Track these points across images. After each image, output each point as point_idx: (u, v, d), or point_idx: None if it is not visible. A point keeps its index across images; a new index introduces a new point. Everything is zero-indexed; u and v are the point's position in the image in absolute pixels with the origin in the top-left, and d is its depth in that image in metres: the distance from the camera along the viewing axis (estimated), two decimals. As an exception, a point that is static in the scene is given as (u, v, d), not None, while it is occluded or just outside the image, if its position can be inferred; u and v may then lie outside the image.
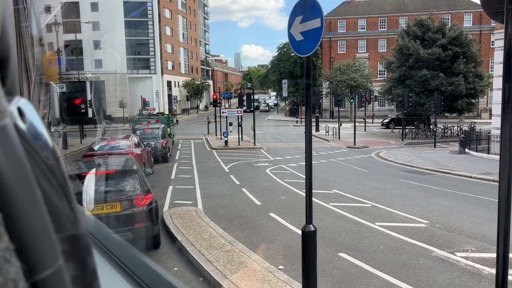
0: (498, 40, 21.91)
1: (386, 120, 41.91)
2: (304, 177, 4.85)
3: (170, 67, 65.09)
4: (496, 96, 22.41)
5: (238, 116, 27.86)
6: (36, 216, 0.35)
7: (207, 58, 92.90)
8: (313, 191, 4.85)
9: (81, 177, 6.63)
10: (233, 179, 15.47)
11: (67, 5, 48.08)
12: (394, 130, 37.98)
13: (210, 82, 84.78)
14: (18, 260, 0.33)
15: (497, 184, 2.60)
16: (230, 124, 29.37)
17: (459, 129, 32.68)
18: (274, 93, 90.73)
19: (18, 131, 0.36)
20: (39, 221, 0.35)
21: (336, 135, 31.42)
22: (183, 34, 72.37)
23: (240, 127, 27.69)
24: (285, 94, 61.74)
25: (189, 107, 69.24)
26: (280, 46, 67.72)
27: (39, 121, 0.41)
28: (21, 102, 0.40)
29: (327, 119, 48.60)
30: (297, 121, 48.03)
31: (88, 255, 0.43)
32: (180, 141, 29.68)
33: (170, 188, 13.78)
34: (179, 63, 70.23)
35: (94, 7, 51.02)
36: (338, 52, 55.99)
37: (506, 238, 2.46)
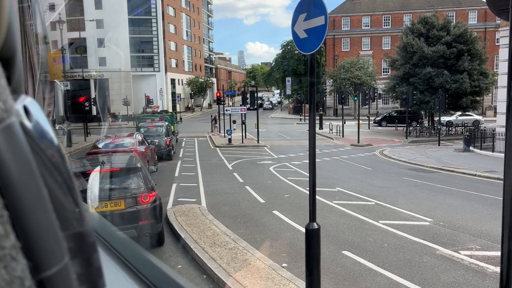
0: (503, 37, 21.78)
1: (378, 118, 42.05)
2: (308, 175, 4.85)
3: (173, 65, 65.17)
4: (501, 94, 22.29)
5: (241, 114, 27.86)
6: (42, 214, 0.35)
7: (211, 56, 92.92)
8: (316, 189, 4.85)
9: (85, 175, 6.65)
10: (236, 176, 15.48)
11: (71, 3, 48.18)
12: (386, 127, 38.44)
13: (214, 80, 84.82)
14: (24, 258, 0.33)
15: (502, 182, 2.59)
16: (234, 122, 29.38)
17: (463, 127, 32.60)
18: (278, 91, 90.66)
19: (24, 130, 0.36)
20: (45, 219, 0.35)
21: (339, 133, 31.37)
22: (186, 32, 72.40)
23: (243, 125, 27.69)
24: (288, 92, 61.69)
25: (192, 105, 69.33)
26: (284, 44, 67.63)
27: (44, 119, 0.41)
28: (27, 100, 0.40)
29: (331, 117, 48.51)
30: (300, 119, 47.99)
31: (94, 252, 0.43)
32: (184, 139, 29.73)
33: (174, 185, 13.81)
34: (183, 61, 70.30)
35: (98, 5, 51.11)
36: (342, 50, 55.85)
37: (511, 236, 2.45)
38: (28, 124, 0.38)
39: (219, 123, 33.66)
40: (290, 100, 72.65)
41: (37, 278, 0.34)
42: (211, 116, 37.81)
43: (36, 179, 0.36)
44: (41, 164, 0.37)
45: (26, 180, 0.34)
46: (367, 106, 40.36)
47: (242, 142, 26.84)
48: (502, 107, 21.30)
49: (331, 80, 48.98)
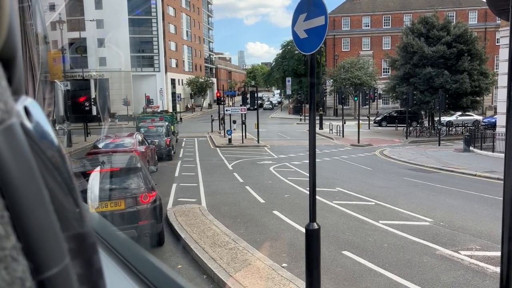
0: (503, 37, 21.79)
1: (378, 118, 42.10)
2: (308, 175, 4.85)
3: (174, 65, 65.16)
4: (501, 94, 22.30)
5: (241, 114, 27.85)
6: (43, 215, 0.35)
7: (211, 56, 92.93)
8: (316, 189, 4.85)
9: (85, 175, 6.65)
10: (236, 177, 15.48)
11: (71, 3, 48.17)
12: (386, 127, 38.59)
13: (214, 80, 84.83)
14: (25, 259, 0.33)
15: (502, 182, 2.59)
16: (234, 122, 29.36)
17: (463, 127, 32.61)
18: (278, 91, 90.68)
19: (24, 131, 0.36)
20: (45, 219, 0.35)
21: (340, 133, 31.37)
22: (186, 32, 72.40)
23: (243, 125, 27.68)
24: (288, 92, 61.68)
25: (193, 105, 69.36)
26: (284, 44, 67.62)
27: (45, 120, 0.41)
28: (28, 101, 0.40)
29: (331, 117, 48.51)
30: (300, 119, 47.99)
31: (94, 253, 0.43)
32: (184, 139, 29.73)
33: (174, 185, 13.81)
34: (183, 61, 70.29)
35: (98, 5, 51.11)
36: (342, 50, 55.85)
37: (511, 236, 2.45)
38: (28, 125, 0.38)
39: (222, 122, 33.24)
40: (290, 100, 72.66)
41: (38, 279, 0.34)
42: (211, 116, 37.78)
43: (36, 179, 0.35)
44: (41, 164, 0.37)
45: (26, 181, 0.34)
46: (367, 106, 40.38)
47: (242, 142, 26.83)
48: (502, 107, 21.30)
49: (331, 80, 48.99)
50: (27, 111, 0.39)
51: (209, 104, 78.20)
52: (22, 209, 0.34)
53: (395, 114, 40.74)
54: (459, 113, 36.14)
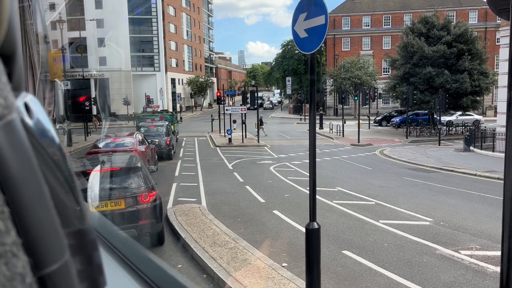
0: (503, 37, 21.78)
1: (378, 118, 42.17)
2: (308, 174, 4.85)
3: (174, 65, 65.13)
4: (501, 94, 22.28)
5: (241, 113, 27.84)
6: (43, 211, 0.35)
7: (211, 56, 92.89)
8: (316, 188, 4.85)
9: (85, 174, 6.65)
10: (236, 176, 15.48)
11: (71, 3, 48.14)
12: (386, 127, 38.80)
13: (214, 79, 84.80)
14: (25, 254, 0.33)
15: (502, 182, 2.59)
16: (234, 121, 29.31)
17: (463, 126, 32.60)
18: (278, 91, 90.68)
19: (25, 127, 0.36)
20: (46, 215, 0.35)
21: (340, 132, 31.37)
22: (187, 31, 72.38)
23: (243, 125, 27.67)
24: (289, 91, 61.65)
25: (195, 104, 69.31)
26: (284, 43, 67.60)
27: (45, 117, 0.41)
28: (28, 98, 0.40)
29: (331, 117, 48.50)
30: (301, 119, 47.97)
31: (94, 250, 0.43)
32: (184, 139, 29.72)
33: (174, 185, 13.81)
34: (183, 60, 70.26)
35: (98, 4, 51.10)
36: (342, 49, 55.84)
37: (511, 236, 2.45)
38: (29, 121, 0.37)
39: (261, 123, 29.64)
40: (290, 100, 72.61)
41: (38, 275, 0.34)
42: (211, 115, 37.72)
43: (37, 176, 0.35)
44: (42, 161, 0.37)
45: (26, 177, 0.34)
46: (367, 106, 40.31)
47: (242, 142, 26.82)
48: (502, 107, 21.30)
49: (332, 79, 48.98)
50: (27, 107, 0.39)
51: (209, 103, 78.17)
52: (22, 205, 0.33)
53: (395, 114, 40.79)
54: (459, 112, 36.16)
